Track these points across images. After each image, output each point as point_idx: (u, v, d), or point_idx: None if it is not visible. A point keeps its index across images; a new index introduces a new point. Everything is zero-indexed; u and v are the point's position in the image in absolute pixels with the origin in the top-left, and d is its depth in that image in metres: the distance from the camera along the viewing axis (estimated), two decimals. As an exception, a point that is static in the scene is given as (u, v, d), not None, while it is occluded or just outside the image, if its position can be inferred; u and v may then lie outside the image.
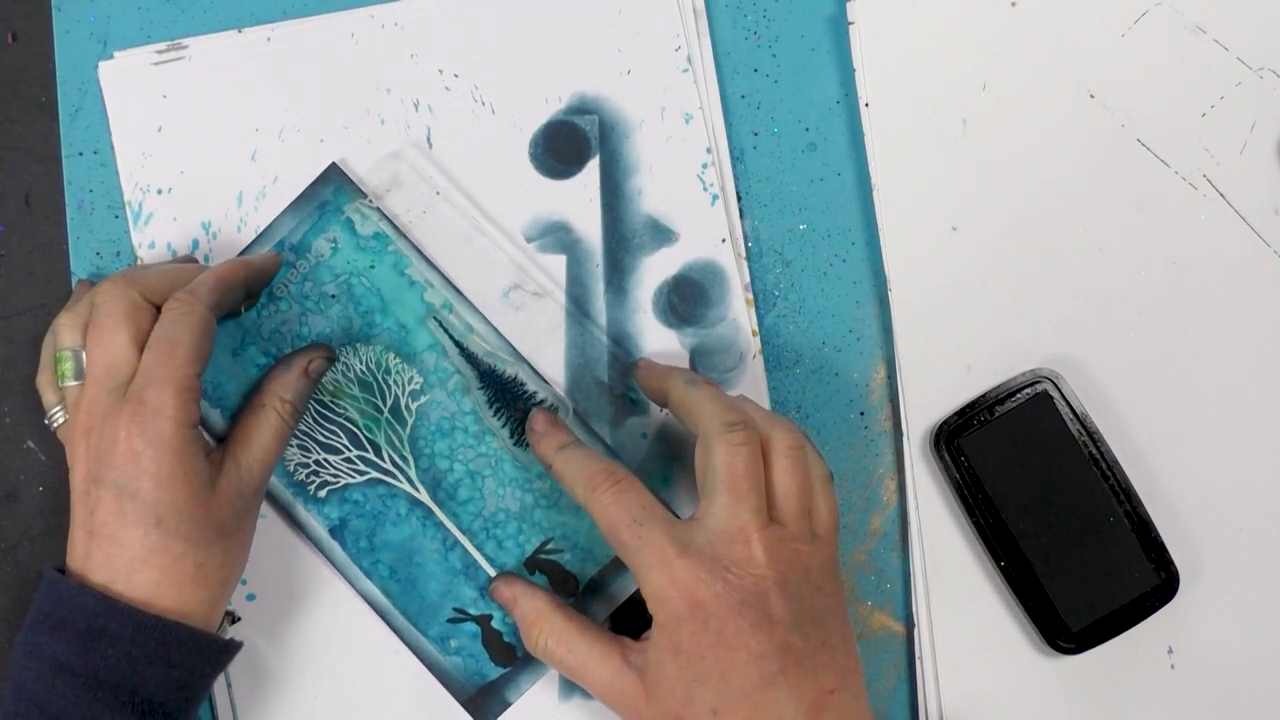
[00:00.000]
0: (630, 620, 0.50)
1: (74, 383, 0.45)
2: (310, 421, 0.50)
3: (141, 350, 0.44)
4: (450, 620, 0.50)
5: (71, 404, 0.45)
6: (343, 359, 0.50)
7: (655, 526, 0.43)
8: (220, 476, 0.45)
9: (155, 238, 0.51)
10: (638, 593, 0.45)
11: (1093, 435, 0.49)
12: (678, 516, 0.44)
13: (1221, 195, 0.52)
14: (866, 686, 0.44)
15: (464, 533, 0.50)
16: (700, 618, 0.41)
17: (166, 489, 0.42)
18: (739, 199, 0.52)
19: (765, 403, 0.51)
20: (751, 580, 0.42)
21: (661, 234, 0.52)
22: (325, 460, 0.50)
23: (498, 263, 0.51)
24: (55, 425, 0.47)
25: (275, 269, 0.50)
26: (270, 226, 0.51)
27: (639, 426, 0.51)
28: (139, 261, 0.51)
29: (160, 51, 0.52)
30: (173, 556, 0.43)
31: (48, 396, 0.47)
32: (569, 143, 0.52)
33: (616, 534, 0.44)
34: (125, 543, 0.42)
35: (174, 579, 0.43)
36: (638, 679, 0.43)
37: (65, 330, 0.46)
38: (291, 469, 0.50)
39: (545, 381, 0.51)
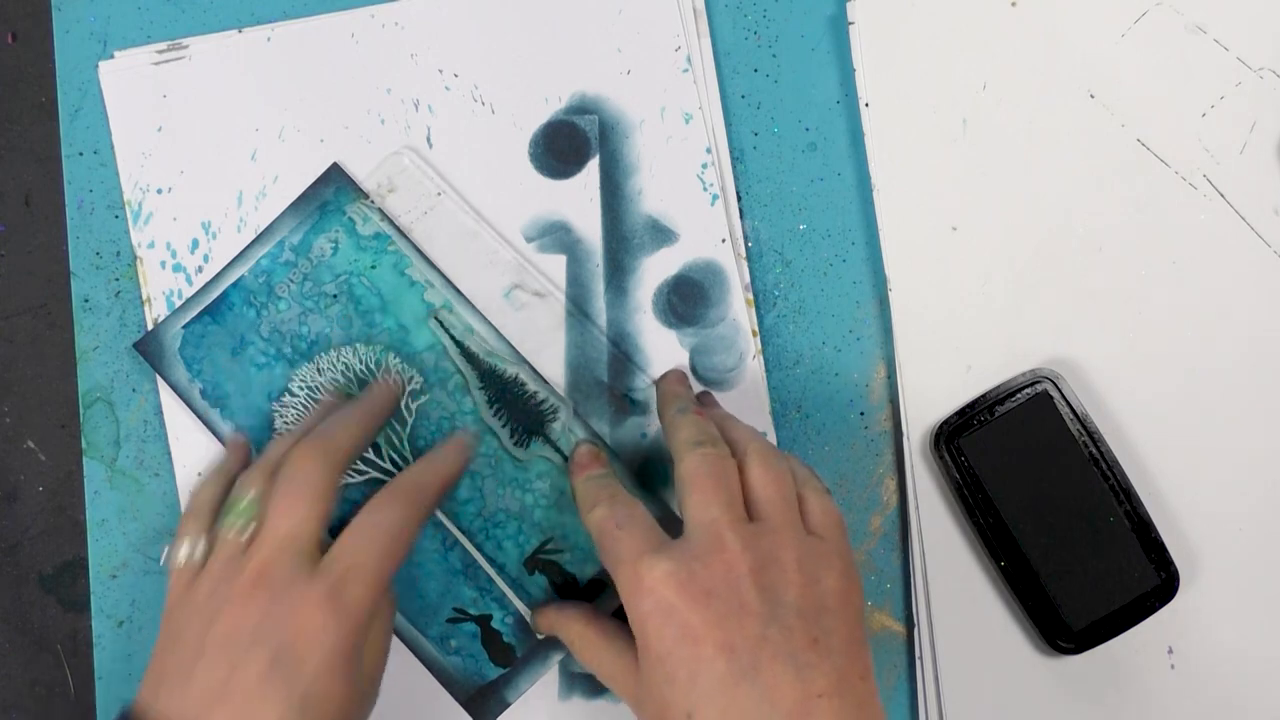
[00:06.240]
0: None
1: (239, 536, 0.43)
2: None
3: (324, 525, 0.43)
4: (450, 620, 0.50)
5: (227, 553, 0.43)
6: (343, 359, 0.50)
7: (635, 529, 0.42)
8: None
9: (155, 238, 0.52)
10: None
11: (1093, 435, 0.49)
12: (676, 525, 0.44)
13: (1221, 195, 0.52)
14: (876, 694, 0.40)
15: (463, 532, 0.50)
16: (664, 611, 0.40)
17: (328, 679, 0.41)
18: (739, 199, 0.52)
19: (765, 403, 0.51)
20: (722, 568, 0.40)
21: (661, 234, 0.52)
22: (325, 460, 0.50)
23: (498, 263, 0.51)
24: (181, 560, 0.44)
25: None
26: (271, 226, 0.51)
27: (639, 426, 0.51)
28: (139, 261, 0.51)
29: (160, 51, 0.52)
30: None
31: (189, 526, 0.45)
32: (569, 143, 0.52)
33: (600, 539, 0.43)
34: (256, 716, 0.40)
35: None
36: (638, 683, 0.42)
37: (251, 485, 0.44)
38: (291, 469, 0.50)
39: (545, 381, 0.51)
